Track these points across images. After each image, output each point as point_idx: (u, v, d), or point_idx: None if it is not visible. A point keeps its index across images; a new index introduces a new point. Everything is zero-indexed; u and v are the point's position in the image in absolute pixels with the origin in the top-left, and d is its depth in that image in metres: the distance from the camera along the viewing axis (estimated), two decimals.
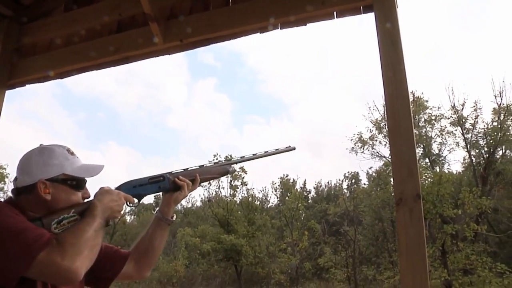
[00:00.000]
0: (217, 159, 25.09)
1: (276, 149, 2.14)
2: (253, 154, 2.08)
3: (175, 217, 2.04)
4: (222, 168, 2.04)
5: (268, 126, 51.52)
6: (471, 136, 21.32)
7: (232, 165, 2.05)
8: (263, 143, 48.09)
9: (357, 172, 33.21)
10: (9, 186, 28.37)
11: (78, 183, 1.69)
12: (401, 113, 2.28)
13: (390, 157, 22.47)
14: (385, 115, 21.62)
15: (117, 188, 1.80)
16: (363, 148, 24.22)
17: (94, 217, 1.56)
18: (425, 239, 2.09)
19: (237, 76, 52.77)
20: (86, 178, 1.73)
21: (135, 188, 1.83)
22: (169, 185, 1.89)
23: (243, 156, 2.06)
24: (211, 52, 50.76)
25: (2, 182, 28.20)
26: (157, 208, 2.04)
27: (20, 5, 4.07)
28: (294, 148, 2.17)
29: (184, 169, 1.96)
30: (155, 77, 50.70)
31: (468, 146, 21.36)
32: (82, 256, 1.41)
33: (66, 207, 1.61)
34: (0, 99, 3.92)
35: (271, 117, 54.87)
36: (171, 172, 1.93)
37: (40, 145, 1.71)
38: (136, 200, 1.84)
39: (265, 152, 2.09)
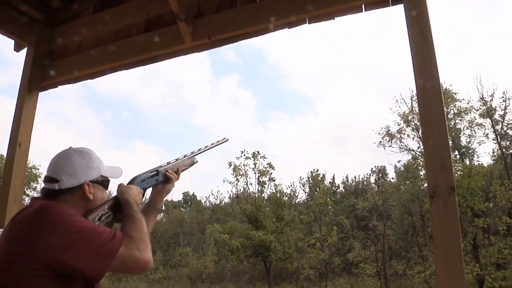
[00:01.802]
0: (244, 155, 25.22)
1: (217, 141, 2.47)
2: (205, 146, 2.39)
3: (163, 206, 2.23)
4: (191, 160, 2.30)
5: (292, 122, 51.39)
6: (501, 128, 20.88)
7: (195, 157, 2.33)
8: (287, 139, 47.89)
9: (384, 166, 32.93)
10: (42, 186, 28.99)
11: (108, 183, 1.90)
12: (433, 104, 2.25)
13: (419, 150, 22.24)
14: (412, 108, 21.48)
15: (130, 183, 1.98)
16: (391, 142, 24.02)
17: (138, 212, 1.75)
18: (459, 231, 2.06)
19: (260, 73, 52.85)
20: None
21: (143, 182, 2.03)
22: (162, 177, 2.12)
23: (200, 149, 2.36)
24: (232, 50, 50.93)
25: (35, 182, 28.92)
26: (148, 197, 2.21)
27: (51, 8, 4.15)
28: (227, 139, 2.54)
29: (167, 163, 2.19)
30: (178, 76, 51.17)
31: (498, 137, 20.90)
32: (149, 247, 1.62)
33: (100, 204, 1.79)
34: (34, 101, 4.01)
35: (295, 113, 54.78)
36: (161, 165, 2.15)
37: (70, 147, 1.84)
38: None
39: (211, 144, 2.43)
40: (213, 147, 2.44)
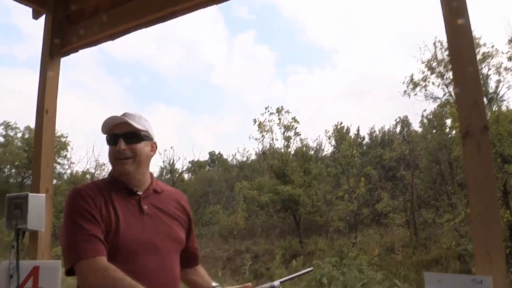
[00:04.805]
0: (268, 111, 25.12)
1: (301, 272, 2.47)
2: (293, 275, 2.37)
3: None
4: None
5: (311, 76, 50.57)
6: None
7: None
8: (308, 93, 47.36)
9: (407, 116, 32.43)
10: (71, 154, 29.61)
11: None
12: (463, 44, 2.17)
13: (444, 98, 21.79)
14: (436, 55, 20.87)
15: None
16: (415, 90, 23.56)
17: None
18: (494, 172, 2.02)
19: (274, 28, 51.65)
20: None
21: None
22: None
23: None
24: (244, 6, 49.41)
25: (65, 150, 29.49)
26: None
27: None
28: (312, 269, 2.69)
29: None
30: (193, 36, 50.40)
31: None
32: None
33: None
34: (57, 67, 4.04)
35: (313, 66, 53.82)
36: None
37: (126, 112, 2.04)
38: None
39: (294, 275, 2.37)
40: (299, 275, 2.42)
